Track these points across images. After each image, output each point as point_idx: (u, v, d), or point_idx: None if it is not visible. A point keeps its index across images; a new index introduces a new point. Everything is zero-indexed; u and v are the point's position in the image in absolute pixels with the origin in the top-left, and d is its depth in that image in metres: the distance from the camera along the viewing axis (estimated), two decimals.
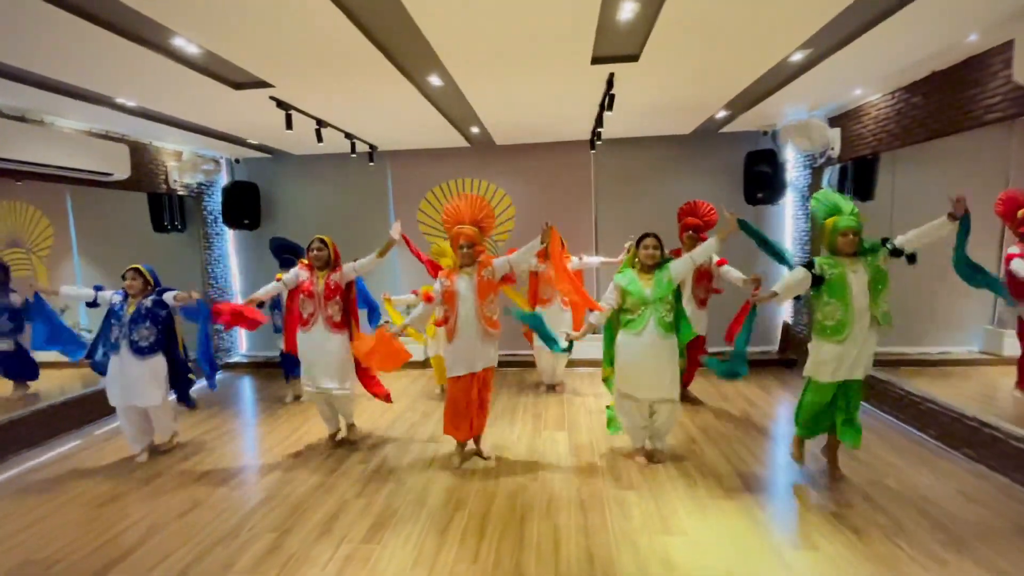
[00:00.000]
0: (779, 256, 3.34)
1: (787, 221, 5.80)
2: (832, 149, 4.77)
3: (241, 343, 6.69)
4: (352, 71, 3.36)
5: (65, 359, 4.04)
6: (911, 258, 2.89)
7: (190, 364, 3.94)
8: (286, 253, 4.80)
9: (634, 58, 3.31)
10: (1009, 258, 4.00)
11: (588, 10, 2.60)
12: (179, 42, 2.83)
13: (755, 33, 2.97)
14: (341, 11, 2.53)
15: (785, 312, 5.92)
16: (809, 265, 2.94)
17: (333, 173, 6.34)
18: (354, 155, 5.61)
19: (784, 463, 3.48)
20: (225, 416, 4.71)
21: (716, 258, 4.01)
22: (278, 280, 3.71)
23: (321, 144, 4.76)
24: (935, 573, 2.29)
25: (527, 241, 3.38)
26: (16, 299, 4.63)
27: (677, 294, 3.30)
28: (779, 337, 5.95)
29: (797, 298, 5.41)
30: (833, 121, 4.84)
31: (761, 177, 5.53)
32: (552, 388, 5.14)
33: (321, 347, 3.61)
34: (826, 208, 2.99)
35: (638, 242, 3.32)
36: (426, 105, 4.21)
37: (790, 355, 5.71)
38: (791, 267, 3.49)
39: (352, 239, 5.58)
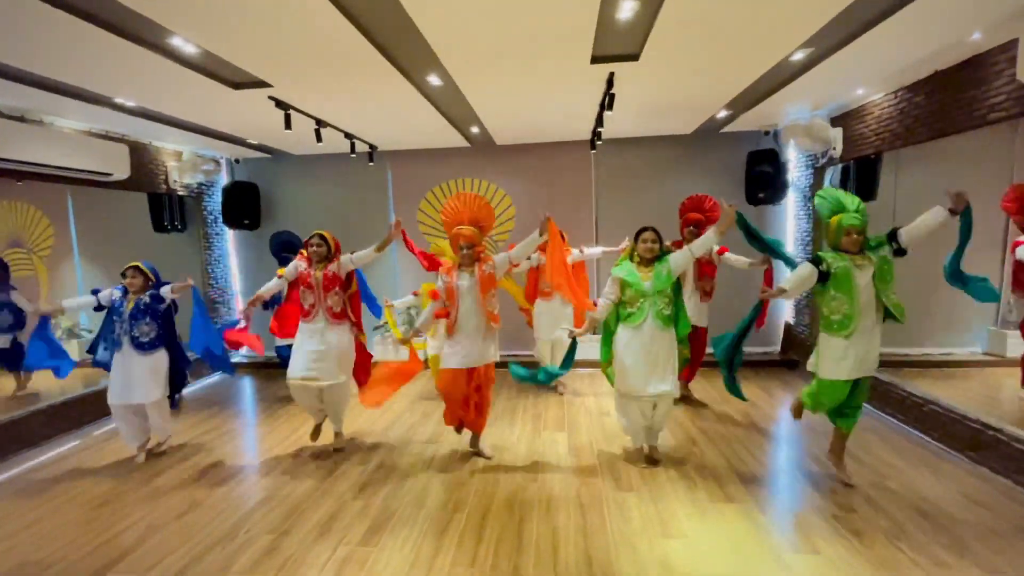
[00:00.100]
0: (774, 252, 3.34)
1: (789, 221, 5.78)
2: (834, 149, 4.74)
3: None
4: (351, 71, 3.35)
5: (39, 308, 4.06)
6: (901, 252, 2.88)
7: (190, 356, 3.93)
8: (286, 252, 4.79)
9: (634, 57, 3.30)
10: (1016, 245, 3.99)
11: (587, 9, 2.59)
12: (177, 42, 2.82)
13: (756, 32, 2.95)
14: (339, 10, 2.51)
15: (786, 312, 5.90)
16: (816, 261, 2.92)
17: (333, 173, 6.34)
18: (354, 155, 5.60)
19: (785, 465, 3.46)
20: (224, 416, 4.71)
21: (716, 247, 4.01)
22: (279, 276, 3.71)
23: (321, 144, 4.76)
24: None
25: (531, 234, 3.38)
26: (29, 306, 4.68)
27: (676, 288, 3.27)
28: (781, 337, 5.92)
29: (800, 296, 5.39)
30: (835, 121, 4.81)
31: (763, 177, 5.51)
32: (553, 388, 5.13)
33: (321, 337, 3.57)
34: (830, 205, 2.96)
35: (636, 236, 3.30)
36: (426, 105, 4.19)
37: (792, 355, 5.68)
38: (788, 261, 3.48)
39: (352, 239, 5.55)
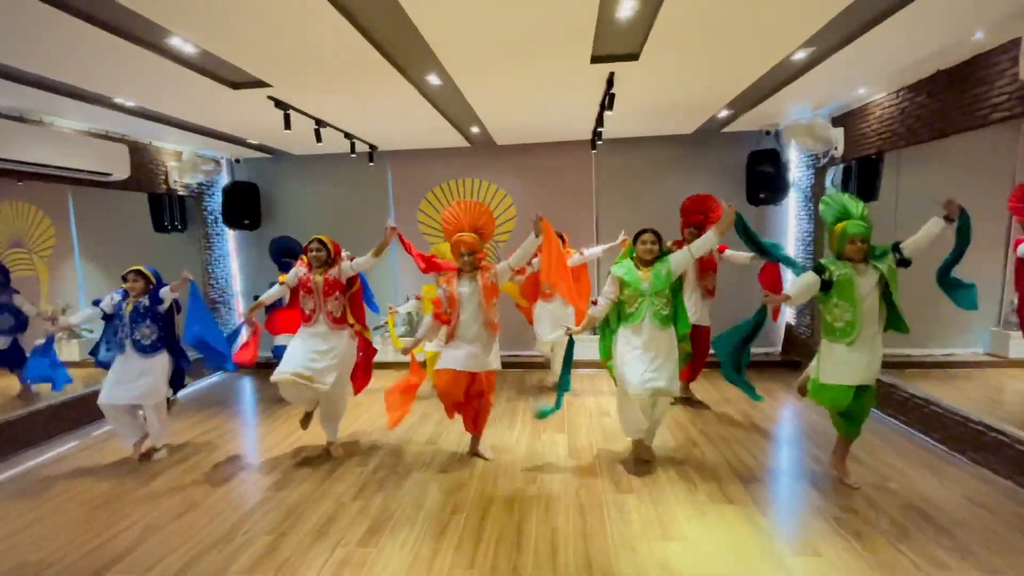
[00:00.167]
0: (772, 256, 3.33)
1: (790, 221, 5.76)
2: (835, 149, 4.72)
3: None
4: (350, 70, 3.34)
5: (45, 325, 4.05)
6: (906, 262, 2.90)
7: (190, 356, 3.93)
8: (285, 257, 4.78)
9: (634, 57, 3.28)
10: (1018, 243, 3.99)
11: (586, 9, 2.57)
12: (175, 42, 2.82)
13: (756, 31, 2.94)
14: (337, 10, 2.50)
15: (788, 313, 5.87)
16: (819, 269, 2.92)
17: (333, 173, 6.33)
18: (354, 155, 5.60)
19: (786, 467, 3.44)
20: (224, 417, 4.70)
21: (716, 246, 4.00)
22: (280, 283, 3.69)
23: (321, 144, 4.75)
24: None
25: (528, 237, 3.36)
26: (32, 309, 4.70)
27: (675, 287, 3.25)
28: (782, 338, 5.91)
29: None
30: (837, 120, 4.79)
31: (764, 177, 5.49)
32: (555, 391, 5.11)
33: (323, 340, 3.54)
34: (835, 211, 2.95)
35: (635, 238, 3.29)
36: (425, 105, 4.19)
37: (793, 356, 5.67)
38: (788, 262, 3.47)
39: (352, 239, 5.55)
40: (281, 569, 2.45)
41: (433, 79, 3.62)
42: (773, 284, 3.90)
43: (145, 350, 3.63)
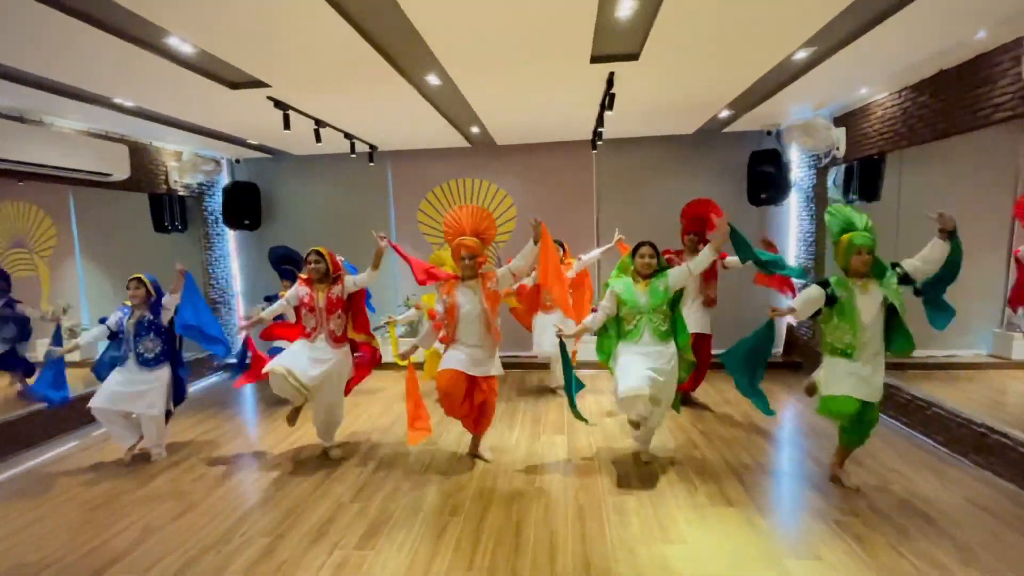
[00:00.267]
0: (767, 269, 3.32)
1: (791, 222, 5.73)
2: (837, 149, 4.70)
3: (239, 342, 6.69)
4: (348, 70, 3.34)
5: (53, 351, 4.05)
6: (918, 291, 2.89)
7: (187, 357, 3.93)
8: (285, 264, 4.77)
9: (634, 57, 3.27)
10: (1016, 253, 3.98)
11: (585, 8, 2.56)
12: (173, 41, 2.81)
13: (757, 31, 2.92)
14: (334, 9, 2.49)
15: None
16: (824, 284, 2.91)
17: (333, 173, 6.32)
18: (354, 155, 5.59)
19: (787, 468, 3.42)
20: (223, 417, 4.70)
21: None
22: (282, 297, 3.68)
23: (321, 144, 4.75)
24: None
25: (528, 242, 3.36)
26: (35, 313, 4.72)
27: (673, 302, 3.24)
28: (783, 340, 5.88)
29: None
30: (838, 120, 4.77)
31: (765, 177, 5.46)
32: (554, 392, 5.10)
33: (321, 358, 3.49)
34: (840, 223, 2.93)
35: (634, 251, 3.27)
36: (425, 105, 4.18)
37: (795, 358, 5.64)
38: (788, 271, 3.46)
39: (352, 240, 5.57)
40: (278, 571, 2.44)
41: (432, 79, 3.61)
42: (769, 280, 3.88)
43: (148, 363, 3.64)
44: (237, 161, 6.39)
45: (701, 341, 4.32)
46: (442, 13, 2.58)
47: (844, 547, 2.49)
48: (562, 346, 3.38)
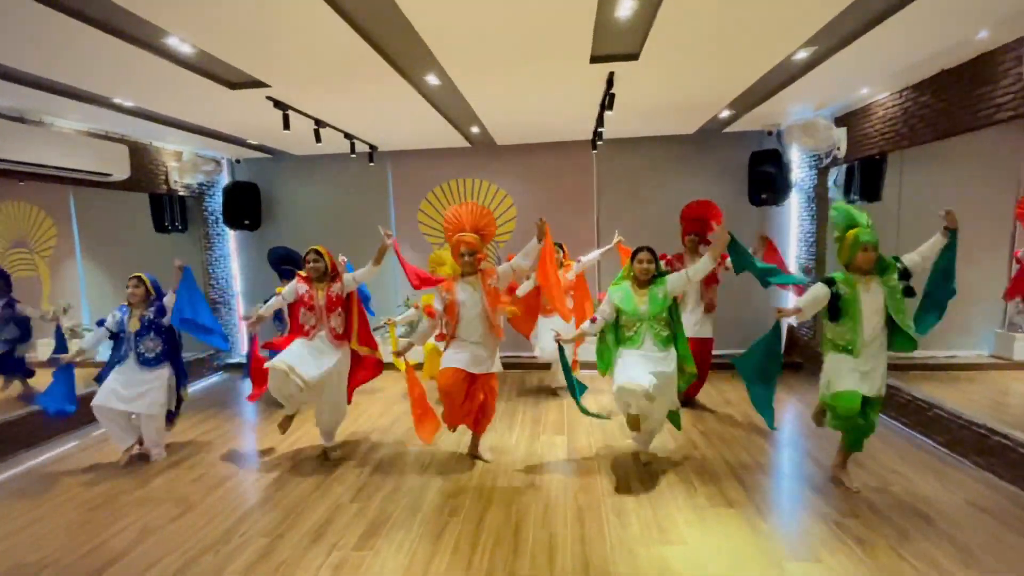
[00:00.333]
0: (766, 281, 3.33)
1: (792, 222, 5.71)
2: (838, 149, 4.68)
3: (242, 344, 6.68)
4: (347, 70, 3.33)
5: (60, 359, 4.05)
6: (909, 291, 2.92)
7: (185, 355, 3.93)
8: (285, 264, 4.77)
9: (634, 57, 3.26)
10: (1016, 254, 3.97)
11: (584, 8, 2.55)
12: (172, 41, 2.81)
13: (757, 31, 2.91)
14: (332, 9, 2.49)
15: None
16: (829, 282, 2.91)
17: (333, 173, 6.32)
18: (354, 155, 5.59)
19: (787, 469, 3.41)
20: (222, 418, 4.70)
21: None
22: (278, 294, 3.67)
23: (321, 144, 4.74)
24: None
25: (528, 242, 3.38)
26: (35, 312, 4.74)
27: (672, 308, 3.23)
28: (784, 340, 5.87)
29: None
30: (839, 120, 4.75)
31: (765, 178, 5.45)
32: (554, 392, 5.09)
33: (322, 355, 3.51)
34: (844, 219, 2.95)
35: (632, 256, 3.27)
36: (424, 105, 4.17)
37: (795, 358, 5.63)
38: (786, 280, 3.46)
39: (352, 239, 5.56)
40: (277, 571, 2.44)
41: (432, 79, 3.60)
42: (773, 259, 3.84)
43: (149, 363, 3.65)
44: (237, 161, 6.40)
45: (703, 346, 4.32)
46: (441, 13, 2.57)
47: (844, 549, 2.48)
48: (561, 351, 3.37)
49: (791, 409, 4.49)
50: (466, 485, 3.23)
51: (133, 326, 3.63)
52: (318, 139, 4.59)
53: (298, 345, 3.52)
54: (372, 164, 5.86)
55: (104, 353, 3.90)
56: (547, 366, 5.34)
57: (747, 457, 3.52)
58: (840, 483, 3.06)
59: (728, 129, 5.59)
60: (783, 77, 3.79)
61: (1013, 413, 3.88)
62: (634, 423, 3.31)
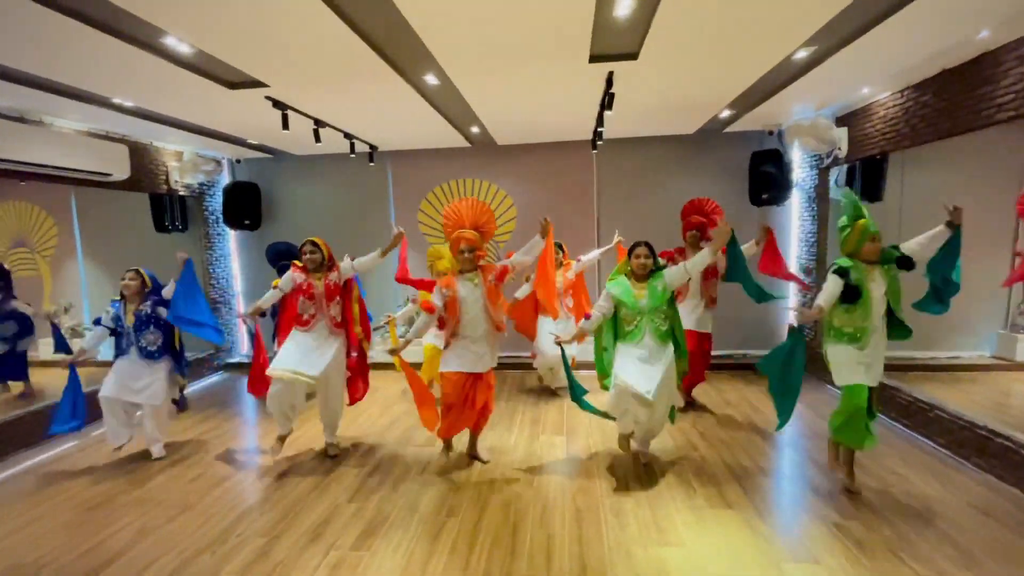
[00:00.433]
0: (760, 295, 3.35)
1: (793, 222, 5.70)
2: (839, 149, 4.67)
3: (243, 344, 6.69)
4: (346, 70, 3.33)
5: (61, 358, 4.06)
6: (907, 263, 2.89)
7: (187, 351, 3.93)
8: (283, 260, 4.77)
9: (633, 56, 3.25)
10: (1018, 253, 3.95)
11: (583, 7, 2.54)
12: (171, 41, 2.81)
13: (757, 30, 2.89)
14: (331, 9, 2.49)
15: (789, 314, 5.81)
16: (842, 272, 2.87)
17: (333, 173, 6.33)
18: (354, 155, 5.59)
19: (786, 471, 3.40)
20: (222, 418, 4.70)
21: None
22: (275, 287, 3.68)
23: (321, 144, 4.74)
24: None
25: (528, 241, 3.40)
26: (29, 310, 4.73)
27: (671, 302, 3.23)
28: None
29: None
30: (840, 120, 4.73)
31: (766, 177, 5.43)
32: (554, 392, 5.08)
33: (320, 346, 3.55)
34: (853, 208, 2.93)
35: (629, 251, 3.27)
36: (424, 104, 4.17)
37: None
38: (772, 298, 3.46)
39: (352, 239, 5.55)
40: (274, 572, 2.43)
41: (431, 79, 3.60)
42: (775, 268, 3.69)
43: (151, 356, 3.67)
44: (238, 161, 6.40)
45: (702, 340, 4.31)
46: (439, 13, 2.57)
47: (844, 551, 2.46)
48: (563, 352, 3.37)
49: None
50: (464, 486, 3.22)
51: (129, 320, 3.64)
52: (318, 139, 4.59)
53: (292, 345, 3.54)
54: (372, 164, 5.86)
55: (107, 352, 3.91)
56: (543, 377, 5.25)
57: (746, 458, 3.51)
58: (841, 484, 3.04)
59: (729, 129, 5.57)
60: (783, 77, 3.78)
61: (1015, 415, 3.85)
62: (624, 444, 3.33)
